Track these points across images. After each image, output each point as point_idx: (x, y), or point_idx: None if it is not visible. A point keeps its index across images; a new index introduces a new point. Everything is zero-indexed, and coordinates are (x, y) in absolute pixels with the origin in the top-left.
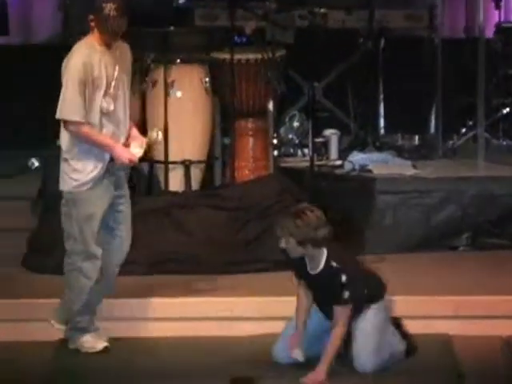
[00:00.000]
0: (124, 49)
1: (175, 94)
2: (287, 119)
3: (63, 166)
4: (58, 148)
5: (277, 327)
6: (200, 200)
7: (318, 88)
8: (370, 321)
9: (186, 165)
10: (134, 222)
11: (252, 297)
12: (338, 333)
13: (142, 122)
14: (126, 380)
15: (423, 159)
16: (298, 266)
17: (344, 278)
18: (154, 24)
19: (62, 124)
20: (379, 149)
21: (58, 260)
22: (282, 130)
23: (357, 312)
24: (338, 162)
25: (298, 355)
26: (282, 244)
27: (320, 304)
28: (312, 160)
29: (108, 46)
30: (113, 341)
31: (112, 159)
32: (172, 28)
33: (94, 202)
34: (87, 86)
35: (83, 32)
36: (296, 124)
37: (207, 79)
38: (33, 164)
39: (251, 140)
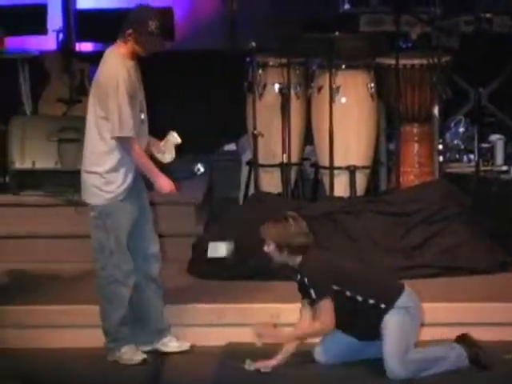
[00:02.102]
0: (138, 66)
1: (340, 100)
2: (452, 124)
3: (93, 180)
4: (224, 153)
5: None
6: (365, 206)
7: (484, 93)
8: (389, 327)
9: (351, 170)
10: None
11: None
12: (312, 326)
13: (306, 128)
14: None
15: None
16: (291, 274)
17: (306, 279)
18: (320, 30)
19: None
20: None
21: (225, 265)
22: (447, 136)
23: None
24: (504, 168)
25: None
26: (265, 248)
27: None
28: (477, 165)
29: (134, 59)
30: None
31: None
32: (337, 33)
33: (127, 212)
34: (130, 98)
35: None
36: (461, 129)
37: (372, 84)
38: (199, 170)
39: (416, 145)
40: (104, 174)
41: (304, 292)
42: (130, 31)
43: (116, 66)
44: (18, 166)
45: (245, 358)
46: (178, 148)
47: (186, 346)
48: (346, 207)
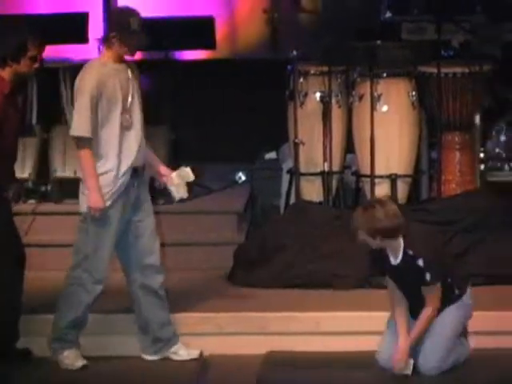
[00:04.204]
0: (134, 68)
1: (382, 108)
2: (494, 133)
3: (81, 186)
4: (265, 162)
5: None
6: (407, 214)
7: None
8: (448, 323)
9: (393, 179)
10: (338, 236)
11: None
12: (427, 313)
13: (347, 136)
14: None
15: None
16: (381, 261)
17: (421, 261)
18: (361, 38)
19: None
20: None
21: (267, 274)
22: (488, 144)
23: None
24: None
25: (406, 368)
26: (359, 236)
27: (407, 298)
28: None
29: (121, 62)
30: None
31: (134, 175)
32: (379, 42)
33: (112, 221)
34: (100, 102)
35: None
36: (503, 138)
37: (414, 93)
38: (240, 178)
39: (458, 154)
40: None
41: (403, 276)
42: (113, 34)
43: (88, 72)
44: (59, 174)
45: (285, 366)
46: (190, 184)
47: (195, 353)
48: None
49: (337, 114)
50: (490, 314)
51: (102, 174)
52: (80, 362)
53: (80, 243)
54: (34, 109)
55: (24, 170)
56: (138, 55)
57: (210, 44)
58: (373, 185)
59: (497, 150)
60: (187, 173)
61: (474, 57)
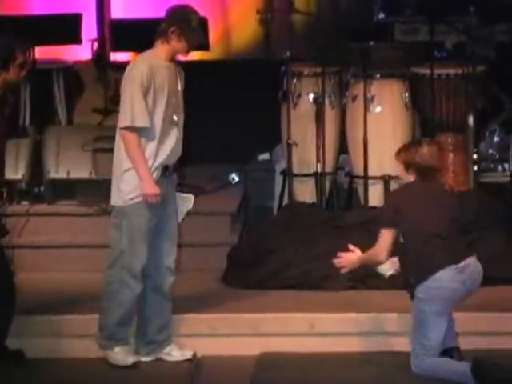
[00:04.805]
0: (181, 70)
1: (375, 109)
2: (487, 134)
3: (114, 180)
4: (259, 163)
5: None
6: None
7: None
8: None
9: (386, 180)
10: (331, 237)
11: None
12: (371, 250)
13: (340, 137)
14: None
15: None
16: None
17: None
18: (355, 39)
19: (120, 133)
20: None
21: (261, 275)
22: (481, 145)
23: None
24: None
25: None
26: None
27: None
28: None
29: (172, 61)
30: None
31: (164, 173)
32: (372, 43)
33: (145, 214)
34: (149, 95)
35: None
36: (496, 139)
37: (407, 94)
38: (233, 179)
39: (451, 155)
40: (123, 173)
41: None
42: (173, 29)
43: (136, 64)
44: (52, 175)
45: (279, 367)
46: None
47: (188, 354)
48: None
49: (330, 115)
50: (484, 316)
51: (132, 170)
52: (131, 359)
53: (115, 239)
54: (27, 110)
55: (17, 171)
56: (128, 56)
57: (203, 45)
58: (366, 186)
59: (490, 151)
60: (189, 201)
61: (468, 58)
